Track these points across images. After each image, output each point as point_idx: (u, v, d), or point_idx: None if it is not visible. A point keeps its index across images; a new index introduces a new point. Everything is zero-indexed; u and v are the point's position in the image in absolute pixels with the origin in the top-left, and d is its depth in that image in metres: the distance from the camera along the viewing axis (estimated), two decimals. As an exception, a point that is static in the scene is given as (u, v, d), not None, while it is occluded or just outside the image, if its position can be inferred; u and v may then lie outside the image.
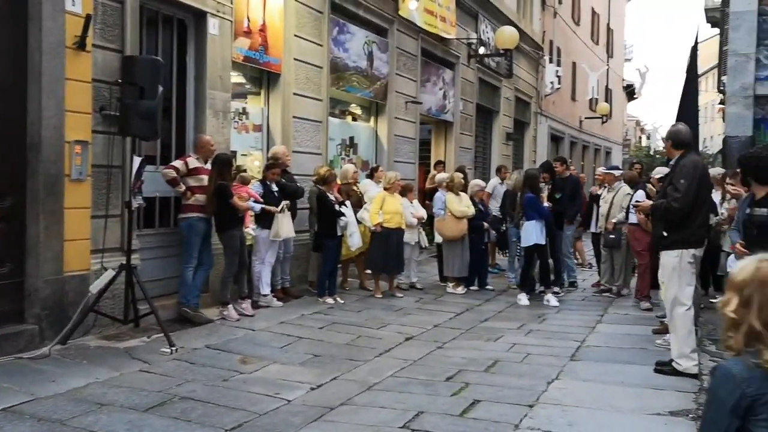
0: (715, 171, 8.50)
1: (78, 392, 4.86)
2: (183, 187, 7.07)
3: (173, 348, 5.97)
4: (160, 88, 6.33)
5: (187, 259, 7.08)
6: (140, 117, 6.19)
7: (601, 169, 10.98)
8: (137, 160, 6.44)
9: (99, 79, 6.34)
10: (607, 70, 29.49)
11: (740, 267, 1.97)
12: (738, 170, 6.23)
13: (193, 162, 7.20)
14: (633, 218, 8.42)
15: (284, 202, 7.95)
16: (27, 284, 5.80)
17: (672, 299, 5.79)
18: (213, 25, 7.78)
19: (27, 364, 5.38)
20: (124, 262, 6.23)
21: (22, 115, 5.75)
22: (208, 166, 7.26)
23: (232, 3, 8.06)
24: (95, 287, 6.09)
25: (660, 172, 8.17)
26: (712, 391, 1.96)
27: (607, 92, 29.79)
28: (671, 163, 6.03)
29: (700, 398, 5.12)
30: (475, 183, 10.74)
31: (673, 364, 5.69)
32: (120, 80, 6.40)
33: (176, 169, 7.04)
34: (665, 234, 5.75)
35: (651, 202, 6.16)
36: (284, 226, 7.98)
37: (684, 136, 5.93)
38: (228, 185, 7.18)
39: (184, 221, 7.13)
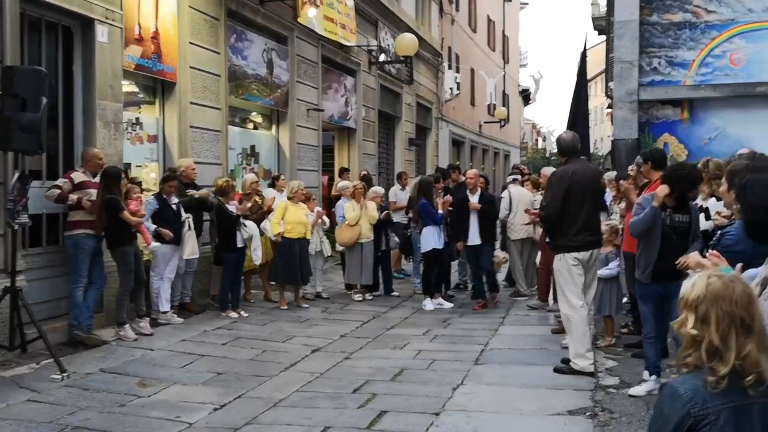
0: (609, 175, 8.94)
1: (-43, 429, 4.52)
2: (75, 198, 6.73)
3: (64, 374, 5.64)
4: (44, 100, 5.97)
5: (75, 279, 6.72)
6: (22, 131, 5.81)
7: (472, 172, 10.22)
8: (18, 176, 6.06)
9: (-25, 90, 5.93)
10: (504, 75, 30.42)
11: (690, 285, 2.00)
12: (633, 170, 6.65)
13: (79, 176, 6.86)
14: None
15: (186, 216, 7.67)
16: None
17: (564, 301, 6.04)
18: (101, 33, 7.44)
19: None
20: (9, 284, 5.85)
21: None
22: (98, 179, 6.92)
23: (121, 9, 7.75)
24: (-24, 313, 5.68)
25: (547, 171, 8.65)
26: (658, 408, 1.99)
27: (505, 97, 30.73)
28: None
29: (596, 396, 5.34)
30: (372, 190, 10.78)
31: (571, 363, 5.91)
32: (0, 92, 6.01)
33: (59, 187, 6.71)
34: (547, 240, 6.05)
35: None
36: (188, 245, 7.80)
37: (565, 144, 6.19)
38: (117, 199, 6.87)
39: (70, 239, 6.77)
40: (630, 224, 5.34)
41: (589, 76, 16.22)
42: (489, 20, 28.96)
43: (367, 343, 7.27)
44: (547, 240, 6.39)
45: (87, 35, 7.37)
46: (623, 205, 7.64)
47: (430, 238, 9.13)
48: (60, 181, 6.77)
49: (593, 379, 5.75)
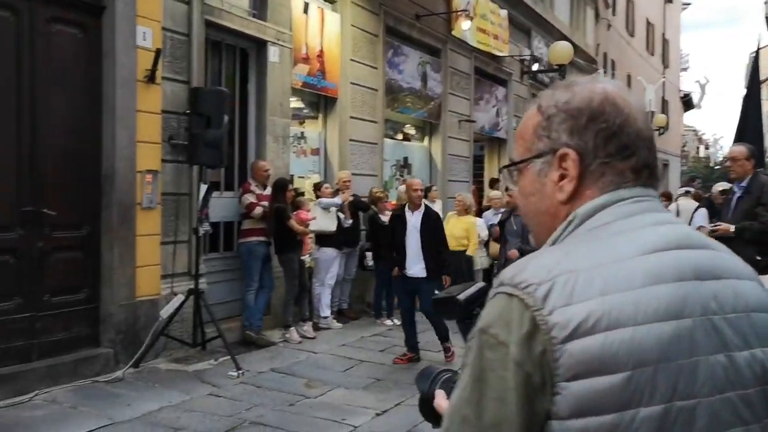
0: None
1: (152, 416, 5.03)
2: (260, 211, 7.28)
3: (240, 371, 6.11)
4: (226, 118, 6.54)
5: (248, 283, 7.26)
6: (207, 146, 6.41)
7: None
8: (203, 188, 6.65)
9: (168, 110, 6.58)
10: (663, 81, 28.97)
11: None
12: None
13: (254, 189, 7.41)
14: None
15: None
16: (102, 309, 6.04)
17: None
18: (273, 53, 7.99)
19: (103, 387, 5.59)
20: (192, 286, 6.42)
21: (97, 148, 6.01)
22: (267, 191, 7.43)
23: (290, 31, 8.27)
24: (165, 312, 6.29)
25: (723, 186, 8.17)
26: None
27: (664, 103, 29.24)
28: (743, 183, 5.83)
29: None
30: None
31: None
32: (188, 111, 6.63)
33: (255, 204, 7.29)
34: (759, 258, 5.53)
35: (731, 226, 5.92)
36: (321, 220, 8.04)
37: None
38: (285, 207, 7.35)
39: (244, 246, 7.32)
40: None
41: (762, 78, 15.11)
42: (648, 23, 27.73)
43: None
44: (758, 257, 5.88)
45: (260, 56, 7.94)
46: None
47: None
48: (252, 197, 7.33)
49: None
